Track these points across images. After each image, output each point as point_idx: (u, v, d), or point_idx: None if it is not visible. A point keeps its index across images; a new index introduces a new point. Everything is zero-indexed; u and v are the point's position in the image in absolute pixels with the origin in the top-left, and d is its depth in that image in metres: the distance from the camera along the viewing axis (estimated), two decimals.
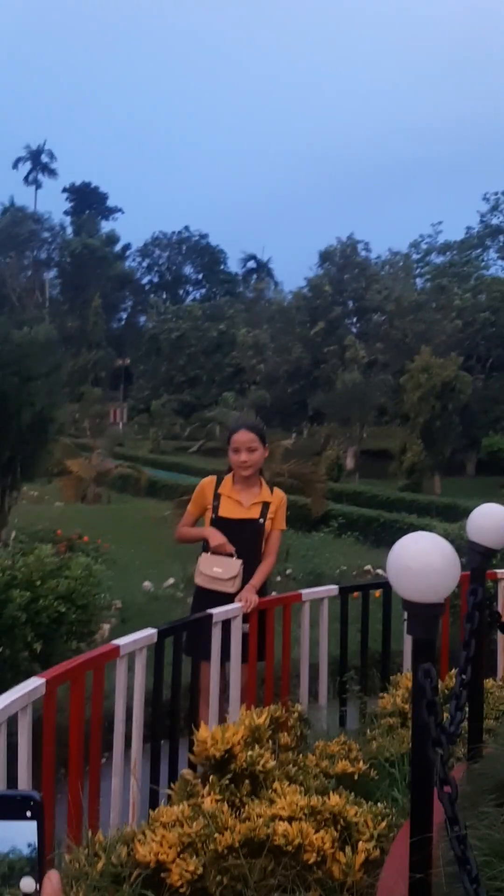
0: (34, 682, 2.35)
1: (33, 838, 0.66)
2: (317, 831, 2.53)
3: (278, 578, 8.96)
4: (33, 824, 0.67)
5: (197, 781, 2.88)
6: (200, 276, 60.34)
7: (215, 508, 4.09)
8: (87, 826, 2.68)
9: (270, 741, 3.17)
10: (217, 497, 4.10)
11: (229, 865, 2.42)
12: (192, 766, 3.02)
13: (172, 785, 2.95)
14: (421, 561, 1.92)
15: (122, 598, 7.69)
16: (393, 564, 1.99)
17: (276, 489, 4.27)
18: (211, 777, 2.82)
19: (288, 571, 9.74)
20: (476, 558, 3.19)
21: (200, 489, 4.19)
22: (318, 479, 12.96)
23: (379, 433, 33.93)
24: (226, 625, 3.75)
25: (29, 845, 0.66)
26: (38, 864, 0.66)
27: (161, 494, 18.38)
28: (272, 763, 2.92)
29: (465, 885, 1.71)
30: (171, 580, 8.98)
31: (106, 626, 6.12)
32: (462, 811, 2.62)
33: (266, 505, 4.13)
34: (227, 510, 4.08)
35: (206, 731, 2.88)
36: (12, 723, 2.31)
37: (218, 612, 3.64)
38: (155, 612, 6.97)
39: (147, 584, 8.73)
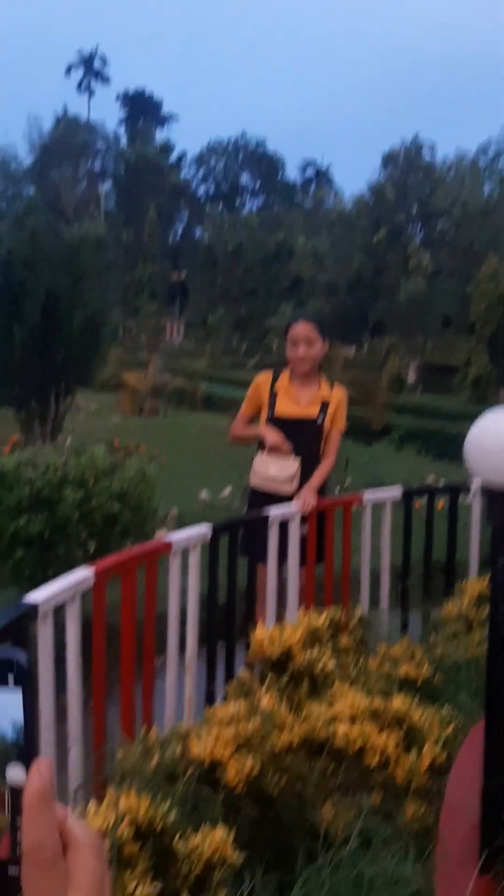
0: (83, 573, 2.24)
1: (18, 712, 0.49)
2: (379, 734, 2.42)
3: (337, 489, 8.79)
4: (17, 693, 0.49)
5: (254, 681, 2.79)
6: (258, 186, 58.57)
7: (271, 406, 3.87)
8: (141, 723, 2.62)
9: (330, 643, 3.07)
10: (273, 394, 3.88)
11: (287, 765, 2.33)
12: (249, 668, 2.93)
13: (229, 684, 2.87)
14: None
15: (179, 507, 7.64)
16: (472, 444, 1.76)
17: (336, 386, 4.02)
18: (268, 677, 2.73)
19: (347, 482, 9.56)
20: None
21: (255, 386, 3.97)
22: (379, 389, 12.61)
23: (443, 345, 32.93)
24: (283, 526, 3.60)
25: (15, 724, 0.49)
26: (27, 746, 0.49)
27: (217, 408, 18.25)
28: (332, 664, 2.80)
29: None
30: (228, 489, 8.90)
31: (163, 532, 6.07)
32: None
33: (325, 403, 3.90)
34: (284, 408, 3.86)
35: (264, 631, 2.78)
36: (60, 616, 2.20)
37: (275, 512, 3.48)
38: (211, 520, 6.89)
39: (204, 493, 8.67)
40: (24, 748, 0.49)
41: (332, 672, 2.82)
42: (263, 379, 3.97)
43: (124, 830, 1.86)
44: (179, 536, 2.81)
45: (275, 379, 3.94)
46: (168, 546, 2.73)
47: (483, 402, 24.92)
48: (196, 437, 13.95)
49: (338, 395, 3.95)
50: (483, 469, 1.76)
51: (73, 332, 6.64)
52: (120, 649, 2.63)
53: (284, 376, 3.93)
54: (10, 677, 0.49)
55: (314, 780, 2.35)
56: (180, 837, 1.93)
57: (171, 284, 47.30)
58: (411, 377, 31.02)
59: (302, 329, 3.84)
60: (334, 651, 3.17)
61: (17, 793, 0.49)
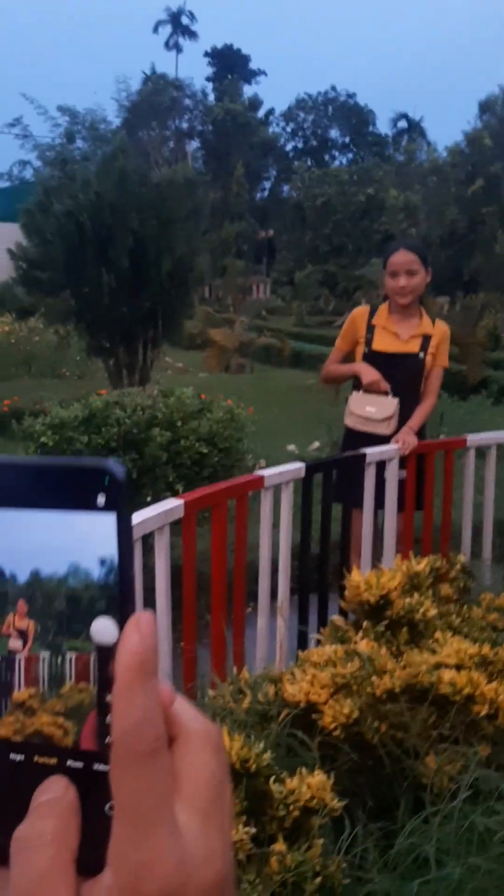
0: (172, 503, 2.12)
1: (111, 548, 0.33)
2: (489, 682, 2.25)
3: None
4: (109, 519, 0.33)
5: (349, 627, 2.65)
6: (347, 140, 57.09)
7: (368, 341, 3.65)
8: (233, 662, 2.51)
9: (430, 591, 2.89)
10: (371, 328, 3.65)
11: (388, 711, 2.18)
12: (343, 615, 2.79)
13: (322, 630, 2.74)
14: None
15: (268, 460, 7.54)
16: None
17: (438, 321, 3.76)
18: (364, 623, 2.58)
19: (442, 437, 9.24)
20: None
21: (351, 320, 3.74)
22: (475, 344, 12.11)
23: None
24: (380, 469, 3.40)
25: (103, 562, 0.33)
26: (121, 595, 0.33)
27: (305, 364, 17.99)
28: (433, 611, 2.63)
29: None
30: (317, 444, 8.74)
31: None
32: None
33: (427, 338, 3.65)
34: (382, 343, 3.63)
35: (360, 576, 2.62)
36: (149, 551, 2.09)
37: (371, 451, 3.29)
38: None
39: (291, 446, 8.53)
40: (118, 597, 0.33)
41: (433, 619, 2.65)
42: (360, 312, 3.74)
43: None
44: (272, 472, 2.66)
45: (372, 313, 3.71)
46: (260, 481, 2.58)
47: None
48: (283, 393, 13.80)
49: (441, 330, 3.69)
50: None
51: (160, 278, 6.53)
52: (209, 591, 2.52)
53: (383, 310, 3.70)
54: (101, 498, 0.33)
55: (416, 728, 2.20)
56: (275, 780, 1.82)
57: (259, 242, 46.91)
58: None
59: (402, 258, 3.58)
60: (435, 599, 3.00)
61: (106, 658, 0.33)
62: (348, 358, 3.77)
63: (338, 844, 1.76)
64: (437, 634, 2.57)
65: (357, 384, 3.65)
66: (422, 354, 3.62)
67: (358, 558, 3.43)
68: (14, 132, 47.21)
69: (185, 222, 6.62)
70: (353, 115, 56.30)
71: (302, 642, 2.94)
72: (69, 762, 0.34)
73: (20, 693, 0.35)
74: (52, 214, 6.57)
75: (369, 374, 3.55)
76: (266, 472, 2.68)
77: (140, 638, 0.32)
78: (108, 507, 0.33)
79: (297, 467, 2.84)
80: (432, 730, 2.24)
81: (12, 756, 0.35)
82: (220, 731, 0.35)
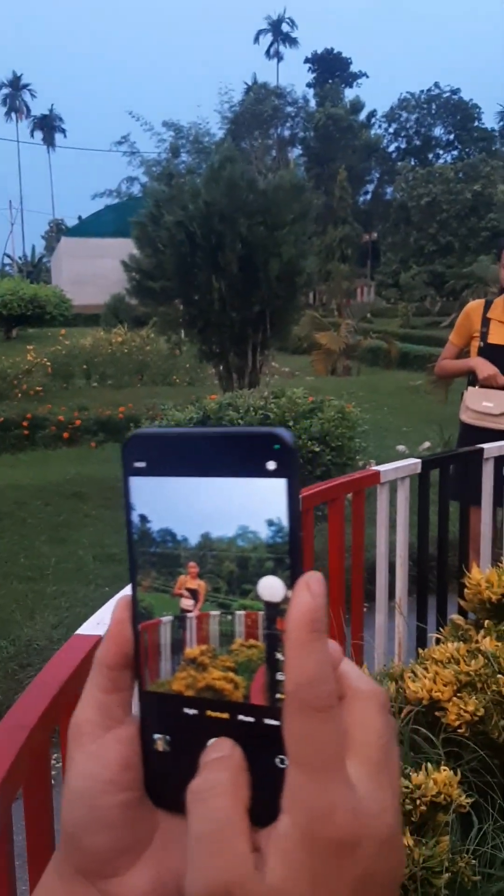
0: None
1: (279, 510, 0.34)
2: None
3: None
4: (280, 485, 0.34)
5: (470, 626, 2.59)
6: (452, 137, 55.89)
7: (483, 335, 3.56)
8: (352, 656, 2.50)
9: None
10: (486, 322, 3.57)
11: None
12: (462, 614, 2.74)
13: (442, 629, 2.69)
14: None
15: (378, 460, 7.48)
16: None
17: None
18: (486, 622, 2.52)
19: None
20: None
21: (465, 315, 3.67)
22: None
23: None
24: (498, 465, 3.31)
25: (271, 524, 0.35)
26: (291, 556, 0.35)
27: (413, 365, 17.73)
28: None
29: None
30: (427, 444, 8.60)
31: None
32: None
33: None
34: (499, 336, 3.54)
35: (480, 574, 2.56)
36: None
37: (490, 447, 3.21)
38: None
39: (401, 447, 8.42)
40: (287, 557, 0.35)
41: None
42: (474, 307, 3.67)
43: None
44: (388, 468, 2.64)
45: (487, 307, 3.62)
46: (376, 476, 2.57)
47: None
48: (391, 394, 13.64)
49: None
50: None
51: (269, 282, 6.59)
52: (327, 587, 2.53)
53: (499, 303, 3.61)
54: (271, 464, 0.34)
55: None
56: (401, 775, 1.80)
57: (362, 245, 46.56)
58: None
59: None
60: None
61: (274, 615, 0.35)
62: (463, 353, 3.70)
63: (466, 841, 1.72)
64: None
65: (473, 379, 3.57)
66: None
67: (477, 557, 3.35)
68: (122, 150, 48.92)
69: (293, 226, 6.67)
70: (457, 112, 55.06)
71: (421, 640, 2.90)
72: (240, 716, 0.36)
73: (192, 650, 0.37)
74: (162, 225, 6.76)
75: (486, 368, 3.47)
76: (382, 468, 2.66)
77: (311, 596, 0.33)
78: (278, 473, 0.34)
79: (413, 462, 2.81)
80: None
81: (185, 710, 0.37)
82: (386, 693, 0.36)
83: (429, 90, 55.41)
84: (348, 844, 0.32)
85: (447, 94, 55.13)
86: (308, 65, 60.70)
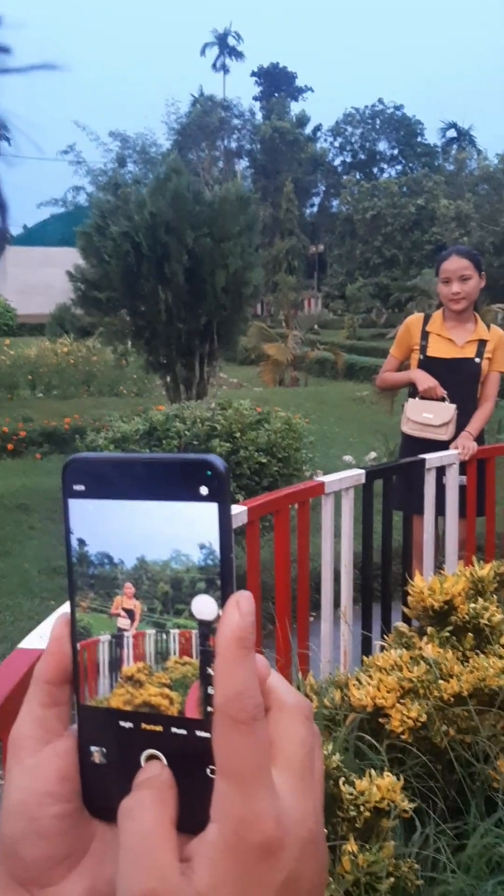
0: (236, 509, 2.15)
1: (211, 534, 0.37)
2: None
3: None
4: (211, 509, 0.37)
5: (413, 634, 2.64)
6: (396, 152, 56.94)
7: (423, 348, 3.65)
8: (298, 668, 2.53)
9: (495, 596, 2.86)
10: (425, 335, 3.65)
11: (455, 715, 2.17)
12: (406, 621, 2.78)
13: (386, 636, 2.73)
14: None
15: (325, 470, 7.56)
16: None
17: (493, 326, 3.74)
18: (429, 629, 2.57)
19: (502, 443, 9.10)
20: None
21: (406, 327, 3.75)
22: None
23: None
24: (439, 475, 3.39)
25: (203, 547, 0.37)
26: (222, 577, 0.37)
27: (359, 376, 17.97)
28: (499, 616, 2.60)
29: None
30: (373, 454, 8.71)
31: None
32: None
33: (483, 343, 3.63)
34: (438, 349, 3.63)
35: (423, 582, 2.62)
36: None
37: (431, 458, 3.28)
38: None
39: (347, 457, 8.52)
40: (219, 577, 0.37)
41: (498, 624, 2.62)
42: (414, 320, 3.75)
43: None
44: (332, 478, 2.68)
45: (426, 320, 3.71)
46: (321, 487, 2.60)
47: None
48: (338, 405, 13.79)
49: (497, 334, 3.67)
50: None
51: (216, 294, 6.62)
52: (272, 598, 2.55)
53: (437, 317, 3.70)
54: (204, 489, 0.37)
55: (486, 732, 2.18)
56: (345, 782, 1.82)
57: (309, 257, 47.00)
58: None
59: (455, 264, 3.59)
60: (500, 604, 2.97)
61: (206, 633, 0.37)
62: (403, 366, 3.78)
63: (409, 846, 1.76)
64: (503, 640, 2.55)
65: (414, 391, 3.64)
66: (478, 359, 3.60)
67: (420, 565, 3.41)
68: (68, 159, 48.53)
69: (239, 238, 6.72)
70: (400, 127, 56.14)
71: (366, 648, 2.94)
72: (173, 729, 0.38)
73: (129, 668, 0.39)
74: (108, 236, 6.74)
75: (425, 380, 3.55)
76: (327, 479, 2.70)
77: (240, 615, 0.36)
78: (210, 498, 0.36)
79: (357, 473, 2.86)
80: (502, 734, 2.22)
81: (122, 724, 0.39)
82: (310, 704, 0.39)
83: (373, 105, 56.39)
84: (272, 850, 0.34)
85: (391, 110, 56.17)
86: (254, 78, 61.20)
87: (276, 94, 58.49)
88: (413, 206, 41.64)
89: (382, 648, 2.68)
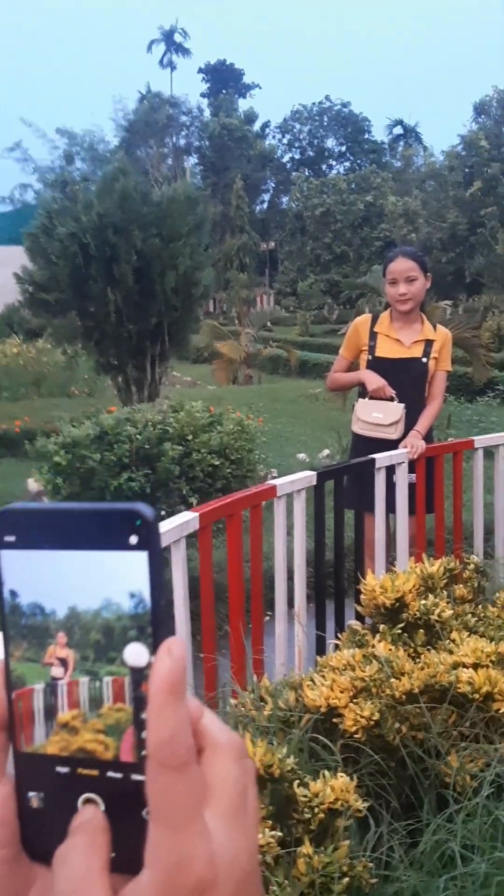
0: (187, 516, 2.16)
1: (141, 582, 0.37)
2: None
3: None
4: (142, 557, 0.37)
5: (366, 631, 2.67)
6: (344, 148, 57.34)
7: (371, 349, 3.69)
8: (253, 671, 2.54)
9: (445, 591, 2.91)
10: (373, 336, 3.70)
11: (408, 713, 2.20)
12: (359, 619, 2.82)
13: (340, 635, 2.76)
14: None
15: (279, 469, 7.58)
16: None
17: (439, 326, 3.81)
18: (381, 626, 2.60)
19: (450, 440, 9.26)
20: None
21: (354, 329, 3.79)
22: (480, 344, 12.10)
23: None
24: (389, 473, 3.43)
25: (133, 595, 0.37)
26: (153, 624, 0.37)
27: (312, 373, 18.08)
28: (449, 612, 2.65)
29: None
30: (327, 451, 8.78)
31: None
32: None
33: (429, 343, 3.69)
34: (386, 350, 3.68)
35: (374, 579, 2.65)
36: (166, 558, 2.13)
37: (381, 457, 3.32)
38: None
39: (301, 455, 8.57)
40: (153, 624, 0.37)
41: (449, 620, 2.67)
42: (362, 321, 3.79)
43: None
44: (284, 481, 2.70)
45: (374, 321, 3.75)
46: (272, 490, 2.62)
47: None
48: (292, 402, 13.86)
49: (442, 334, 3.74)
50: None
51: (166, 294, 6.60)
52: (227, 601, 2.56)
53: (385, 317, 3.74)
54: (133, 538, 0.37)
55: (437, 728, 2.22)
56: (299, 784, 1.84)
57: (261, 254, 47.09)
58: None
59: (401, 265, 3.63)
60: (450, 600, 3.02)
61: (139, 679, 0.37)
62: (353, 366, 3.82)
63: (363, 845, 1.78)
64: (454, 634, 2.59)
65: (363, 391, 3.69)
66: (425, 359, 3.66)
67: (372, 563, 3.45)
68: (14, 156, 47.78)
69: (188, 238, 6.70)
70: (348, 124, 56.55)
71: (321, 648, 2.97)
72: (109, 773, 0.38)
73: (64, 715, 0.39)
74: (55, 237, 6.67)
75: (374, 380, 3.60)
76: (278, 482, 2.72)
77: (171, 662, 0.36)
78: (139, 546, 0.37)
79: (308, 475, 2.88)
80: (453, 729, 2.26)
81: (59, 769, 0.39)
82: (243, 742, 0.40)
83: (320, 103, 56.68)
84: (204, 892, 0.35)
85: (338, 107, 56.53)
86: (202, 75, 61.02)
87: (224, 91, 58.41)
88: (362, 203, 42.02)
89: (336, 647, 2.71)
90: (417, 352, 3.66)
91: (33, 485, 6.53)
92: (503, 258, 29.65)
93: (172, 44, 59.36)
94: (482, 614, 2.99)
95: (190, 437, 3.98)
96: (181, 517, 2.16)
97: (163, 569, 0.39)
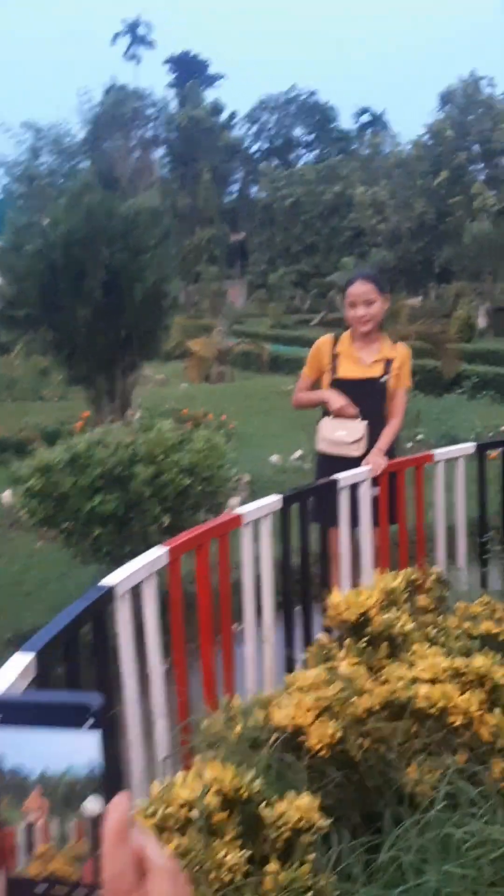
0: (157, 552, 2.28)
1: (96, 753, 0.52)
2: (462, 693, 2.41)
3: (409, 445, 8.68)
4: (96, 734, 0.52)
5: (333, 646, 2.80)
6: (312, 137, 57.30)
7: (333, 369, 3.83)
8: (224, 692, 2.67)
9: (407, 604, 3.05)
10: (335, 356, 3.84)
11: (370, 729, 2.34)
12: (328, 631, 2.94)
13: (308, 649, 2.89)
14: None
15: (251, 473, 7.69)
16: None
17: (399, 344, 3.96)
18: (347, 640, 2.74)
19: (419, 437, 9.42)
20: None
21: (316, 350, 3.93)
22: (449, 338, 12.30)
23: None
24: (354, 489, 3.58)
25: (91, 763, 0.53)
26: (106, 780, 0.52)
27: (285, 369, 18.18)
28: (410, 625, 2.79)
29: None
30: (300, 452, 8.90)
31: (236, 500, 6.13)
32: None
33: (389, 361, 3.84)
34: (347, 370, 3.82)
35: (339, 596, 2.78)
36: (138, 595, 2.25)
37: (344, 476, 3.46)
38: (284, 483, 6.92)
39: (274, 457, 8.68)
40: (105, 783, 0.52)
41: (410, 633, 2.80)
42: (324, 342, 3.93)
43: (211, 799, 1.92)
44: (249, 509, 2.83)
45: (336, 341, 3.89)
46: (238, 519, 2.75)
47: None
48: (264, 399, 13.96)
49: (401, 353, 3.88)
50: None
51: (134, 307, 6.70)
52: (198, 622, 2.68)
53: (346, 337, 3.88)
54: (88, 722, 0.52)
55: (397, 742, 2.36)
56: (267, 804, 1.97)
57: (231, 246, 47.03)
58: (482, 322, 30.07)
59: (359, 289, 3.78)
60: (412, 611, 3.17)
61: (97, 823, 0.52)
62: (316, 384, 3.96)
63: (328, 859, 1.92)
64: (415, 647, 2.74)
65: (326, 410, 3.83)
66: (385, 378, 3.81)
67: (338, 576, 3.60)
68: None
69: (155, 249, 6.80)
70: (315, 113, 56.51)
71: (291, 665, 3.10)
72: (76, 892, 0.53)
73: (40, 848, 0.54)
74: (23, 254, 6.73)
75: (336, 400, 3.74)
76: (244, 510, 2.84)
77: (118, 815, 0.51)
78: (94, 727, 0.52)
79: (274, 500, 3.01)
80: (412, 741, 2.40)
81: (37, 889, 0.54)
82: (177, 865, 0.55)
83: (287, 92, 56.57)
84: None
85: (304, 96, 56.47)
86: (169, 66, 60.59)
87: (190, 82, 58.07)
88: (330, 193, 42.09)
89: (305, 663, 2.85)
90: (378, 370, 3.81)
91: (7, 498, 6.62)
92: (471, 248, 29.95)
93: (136, 37, 58.87)
94: (443, 625, 3.13)
95: (161, 458, 4.10)
96: (151, 554, 2.28)
97: (116, 743, 0.54)
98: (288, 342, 22.70)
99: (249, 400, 13.68)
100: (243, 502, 6.26)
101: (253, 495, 6.71)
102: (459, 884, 1.69)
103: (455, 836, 1.83)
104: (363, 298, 3.75)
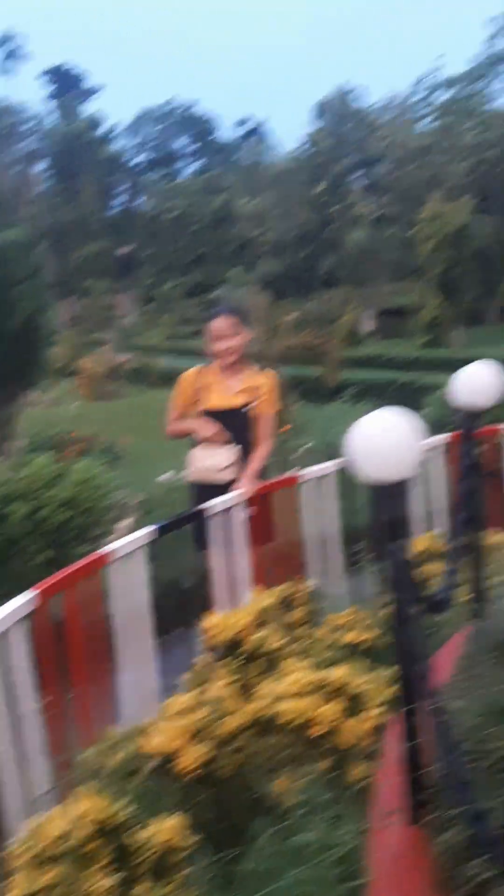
0: (26, 597, 2.37)
1: None
2: (326, 704, 2.58)
3: (298, 452, 8.95)
4: None
5: (210, 668, 2.93)
6: (194, 148, 57.64)
7: (200, 400, 4.02)
8: (106, 725, 2.77)
9: (279, 621, 3.22)
10: (201, 389, 4.02)
11: (239, 746, 2.50)
12: (207, 654, 3.08)
13: (187, 673, 3.02)
14: (377, 442, 1.85)
15: (146, 491, 7.74)
16: (354, 445, 1.94)
17: (265, 371, 4.17)
18: (221, 662, 2.88)
19: (309, 444, 9.73)
20: (464, 420, 3.13)
21: (181, 383, 4.12)
22: (331, 348, 12.74)
23: (397, 290, 32.96)
24: (227, 513, 3.74)
25: None
26: None
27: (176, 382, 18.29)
28: (278, 643, 2.96)
29: (445, 759, 1.74)
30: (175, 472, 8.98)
31: (126, 523, 6.20)
32: (463, 674, 2.65)
33: (254, 389, 4.04)
34: (214, 400, 4.00)
35: (214, 619, 2.92)
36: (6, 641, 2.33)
37: (214, 503, 3.63)
38: (175, 503, 7.00)
39: (166, 475, 8.74)
40: None
41: (279, 649, 2.97)
42: (188, 376, 4.11)
43: (83, 830, 2.03)
44: (119, 545, 2.95)
45: (203, 372, 4.07)
46: (104, 558, 2.86)
47: (439, 344, 25.16)
48: (157, 414, 13.96)
49: (267, 381, 4.09)
50: (366, 467, 1.93)
51: (10, 339, 6.67)
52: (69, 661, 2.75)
53: (213, 368, 4.06)
54: None
55: (265, 756, 2.52)
56: (140, 829, 2.10)
57: (119, 259, 46.70)
58: (369, 325, 31.10)
59: (220, 324, 3.97)
60: (287, 626, 3.35)
61: None
62: (186, 415, 4.13)
63: (196, 875, 2.07)
64: (285, 663, 2.91)
65: (195, 441, 4.01)
66: (252, 404, 4.01)
67: (217, 596, 3.76)
68: None
69: (28, 282, 6.78)
70: (195, 124, 56.91)
71: (172, 688, 3.22)
72: None
73: None
74: None
75: (205, 429, 3.93)
76: (115, 545, 2.95)
77: None
78: None
79: (149, 531, 3.14)
80: (280, 754, 2.58)
81: None
82: None
83: (166, 104, 56.73)
84: None
85: (183, 109, 56.76)
86: (42, 80, 59.58)
87: (67, 95, 57.32)
88: (214, 205, 42.44)
89: (184, 685, 2.98)
90: (243, 399, 4.00)
91: None
92: (353, 255, 30.91)
93: (10, 49, 57.63)
94: (314, 637, 3.33)
95: (39, 494, 4.16)
96: (20, 600, 2.37)
97: None
98: (180, 354, 22.81)
99: (142, 415, 13.69)
100: (136, 523, 6.33)
101: (145, 516, 6.78)
102: (305, 888, 1.86)
103: (307, 840, 2.01)
104: (225, 332, 3.94)
